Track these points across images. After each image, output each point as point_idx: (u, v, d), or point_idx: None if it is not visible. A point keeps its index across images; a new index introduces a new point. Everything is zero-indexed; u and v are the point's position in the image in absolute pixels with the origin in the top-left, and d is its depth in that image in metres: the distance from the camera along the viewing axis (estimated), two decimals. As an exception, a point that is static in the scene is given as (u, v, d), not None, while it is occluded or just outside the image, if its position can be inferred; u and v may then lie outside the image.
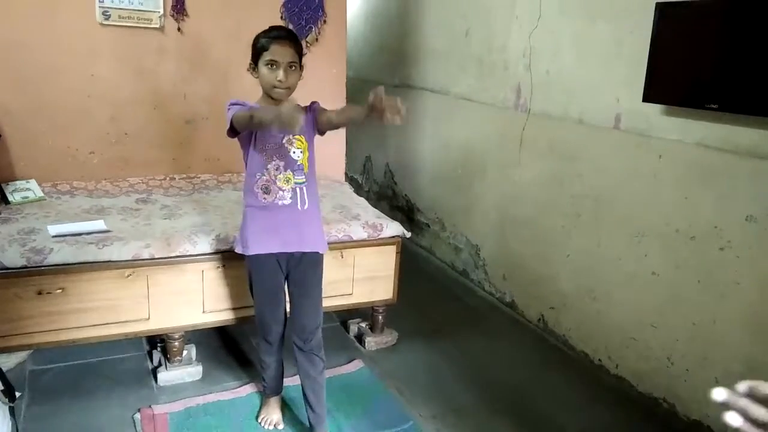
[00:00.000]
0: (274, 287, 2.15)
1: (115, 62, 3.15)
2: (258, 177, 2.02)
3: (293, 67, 1.97)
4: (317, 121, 2.05)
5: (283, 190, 2.02)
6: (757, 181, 2.18)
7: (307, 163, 2.06)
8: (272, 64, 1.94)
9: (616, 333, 2.80)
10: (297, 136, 2.03)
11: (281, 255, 2.09)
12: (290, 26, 3.39)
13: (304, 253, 2.12)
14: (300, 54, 2.00)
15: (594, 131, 2.86)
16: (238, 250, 2.13)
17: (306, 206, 2.06)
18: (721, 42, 2.20)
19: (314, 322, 2.19)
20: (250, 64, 2.01)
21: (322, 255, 2.18)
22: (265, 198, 2.02)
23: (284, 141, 2.01)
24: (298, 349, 2.19)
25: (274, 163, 2.01)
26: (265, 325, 2.20)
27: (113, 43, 3.11)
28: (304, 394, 2.22)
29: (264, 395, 2.40)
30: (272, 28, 2.01)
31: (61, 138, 3.10)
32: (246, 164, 2.07)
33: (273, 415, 2.35)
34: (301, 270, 2.14)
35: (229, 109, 1.97)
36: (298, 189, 2.04)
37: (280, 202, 2.03)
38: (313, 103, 2.11)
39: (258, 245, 2.06)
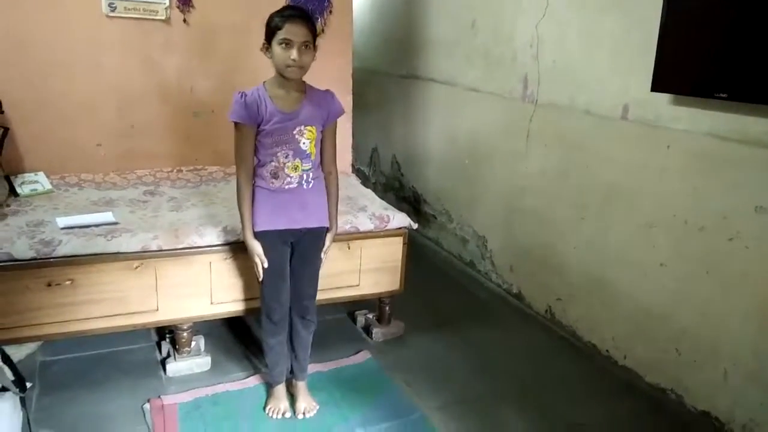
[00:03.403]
0: (281, 264, 2.20)
1: (122, 55, 3.14)
2: (267, 164, 2.09)
3: (307, 47, 1.98)
4: (324, 128, 2.15)
5: (291, 177, 2.10)
6: (767, 172, 2.16)
7: (315, 150, 2.14)
8: (286, 43, 1.95)
9: (624, 324, 2.79)
10: (308, 127, 2.09)
11: (287, 232, 2.16)
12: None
13: (309, 228, 2.19)
14: (314, 34, 2.00)
15: (601, 121, 2.84)
16: None
17: (311, 185, 2.15)
18: (731, 30, 2.17)
19: (312, 289, 2.30)
20: (264, 43, 2.02)
21: (325, 229, 2.26)
22: (273, 183, 2.10)
23: (295, 132, 2.07)
24: (295, 314, 2.29)
25: (283, 152, 2.07)
26: (270, 303, 2.24)
27: (119, 36, 3.11)
28: (292, 347, 2.35)
29: (269, 386, 2.42)
30: (286, 8, 2.06)
31: (68, 130, 3.10)
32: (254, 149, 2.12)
33: (280, 404, 2.36)
34: (305, 242, 2.22)
35: (235, 102, 2.02)
36: (304, 174, 2.13)
37: (287, 186, 2.11)
38: (331, 94, 2.16)
39: (266, 222, 2.14)
